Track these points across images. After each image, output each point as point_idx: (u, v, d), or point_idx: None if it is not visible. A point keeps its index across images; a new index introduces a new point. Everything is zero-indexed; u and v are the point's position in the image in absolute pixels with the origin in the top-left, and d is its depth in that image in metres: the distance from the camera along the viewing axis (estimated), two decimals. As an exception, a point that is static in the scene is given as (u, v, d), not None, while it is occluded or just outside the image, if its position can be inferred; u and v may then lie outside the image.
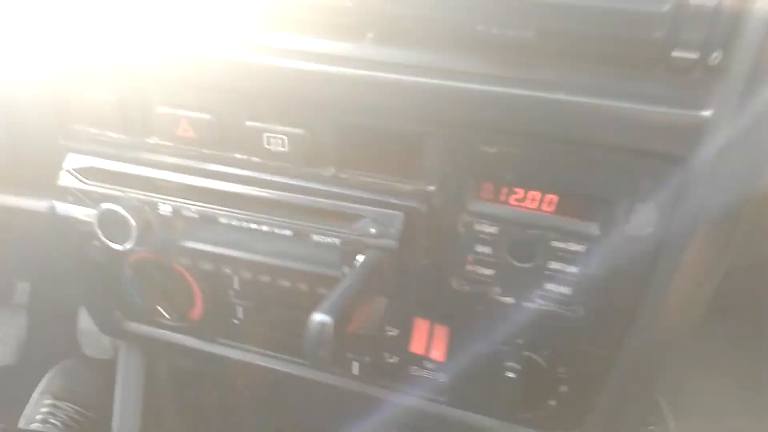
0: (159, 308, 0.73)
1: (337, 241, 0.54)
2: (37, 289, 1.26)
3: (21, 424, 1.14)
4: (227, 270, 0.62)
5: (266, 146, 0.56)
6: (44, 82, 0.62)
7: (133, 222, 0.58)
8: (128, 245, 0.58)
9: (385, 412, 0.71)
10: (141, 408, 0.89)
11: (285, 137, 0.55)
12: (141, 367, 0.88)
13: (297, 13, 0.51)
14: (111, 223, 0.58)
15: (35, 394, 1.20)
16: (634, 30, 0.43)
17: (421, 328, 0.65)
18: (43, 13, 0.58)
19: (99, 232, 0.59)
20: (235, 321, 0.74)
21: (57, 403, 1.19)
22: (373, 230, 0.53)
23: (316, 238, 0.55)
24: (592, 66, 0.46)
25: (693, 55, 0.43)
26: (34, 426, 1.14)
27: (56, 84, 0.62)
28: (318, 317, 0.41)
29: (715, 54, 0.42)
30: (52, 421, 1.16)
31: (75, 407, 1.18)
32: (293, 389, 0.78)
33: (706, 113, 0.43)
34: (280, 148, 0.56)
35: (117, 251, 0.68)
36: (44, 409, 1.19)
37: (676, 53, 0.43)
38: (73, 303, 1.23)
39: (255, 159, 0.58)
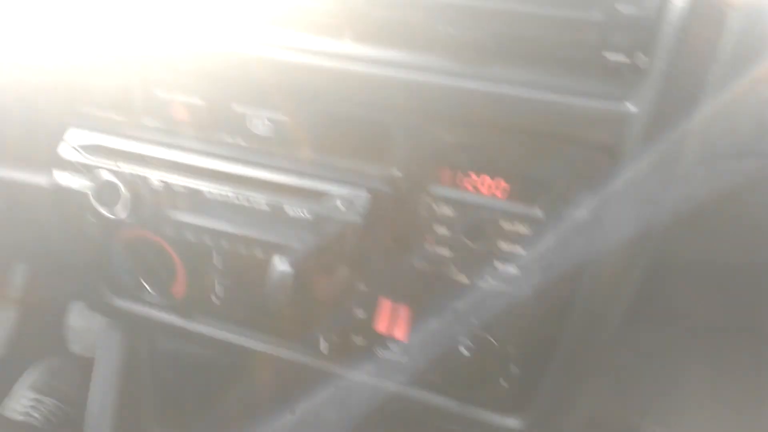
0: (144, 283, 0.78)
1: (309, 215, 0.60)
2: (31, 276, 1.30)
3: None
4: (209, 244, 0.68)
5: (249, 128, 0.62)
6: (52, 66, 0.69)
7: (126, 193, 0.63)
8: (120, 215, 0.64)
9: (351, 392, 0.76)
10: (117, 389, 0.93)
11: (267, 121, 0.61)
12: (120, 349, 0.92)
13: (285, 11, 0.58)
14: (106, 193, 0.64)
15: (18, 387, 1.23)
16: (571, 34, 0.50)
17: (385, 307, 0.70)
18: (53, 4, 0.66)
19: (94, 201, 0.65)
20: (215, 299, 0.79)
21: (40, 397, 1.23)
22: (342, 207, 0.59)
23: (290, 212, 0.60)
24: (537, 65, 0.52)
25: (622, 57, 0.50)
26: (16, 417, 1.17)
27: (63, 68, 0.68)
28: (279, 267, 0.47)
29: (640, 56, 0.49)
30: (34, 414, 1.19)
31: (57, 403, 1.22)
32: (266, 368, 0.82)
33: (632, 107, 0.50)
34: (262, 132, 0.62)
35: (109, 224, 0.73)
36: (27, 402, 1.22)
37: (607, 55, 0.50)
38: (65, 295, 1.27)
39: (239, 141, 0.64)
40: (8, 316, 1.33)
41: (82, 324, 1.37)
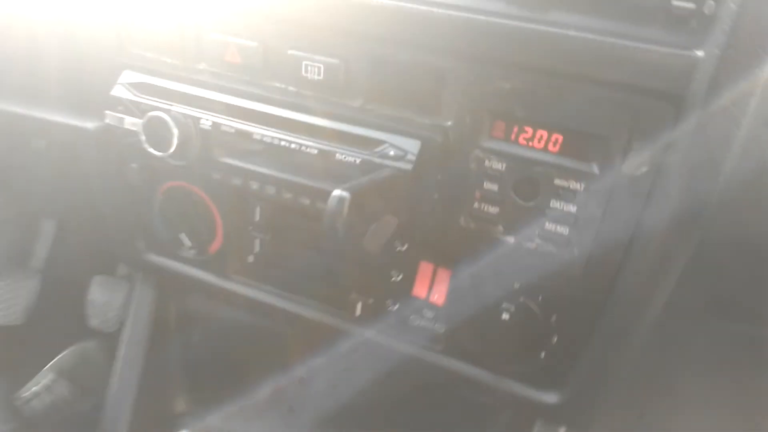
0: (182, 237, 0.77)
1: (359, 162, 0.59)
2: (55, 245, 1.30)
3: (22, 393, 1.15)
4: (253, 192, 0.67)
5: (303, 74, 0.62)
6: (106, 8, 0.70)
7: (175, 131, 0.63)
8: (169, 151, 0.64)
9: (382, 359, 0.74)
10: (143, 358, 0.93)
11: (321, 66, 0.61)
12: (150, 310, 0.92)
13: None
14: (155, 131, 0.64)
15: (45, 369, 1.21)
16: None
17: (424, 271, 0.69)
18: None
19: (143, 137, 0.65)
20: (251, 258, 0.79)
21: (57, 380, 1.21)
22: (392, 152, 0.58)
23: (339, 157, 0.60)
24: (602, 11, 0.51)
25: (689, 4, 0.48)
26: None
27: (117, 10, 0.69)
28: (337, 192, 0.46)
29: (709, 2, 0.48)
30: (45, 397, 1.18)
31: (72, 387, 1.20)
32: (298, 332, 0.81)
33: (699, 54, 0.48)
34: (316, 77, 0.62)
35: (154, 168, 0.74)
36: (44, 382, 1.21)
37: (675, 2, 0.49)
38: (87, 268, 1.27)
39: (292, 87, 0.64)
40: (30, 286, 1.33)
41: (102, 298, 1.36)
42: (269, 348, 0.90)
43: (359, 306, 0.73)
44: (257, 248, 0.75)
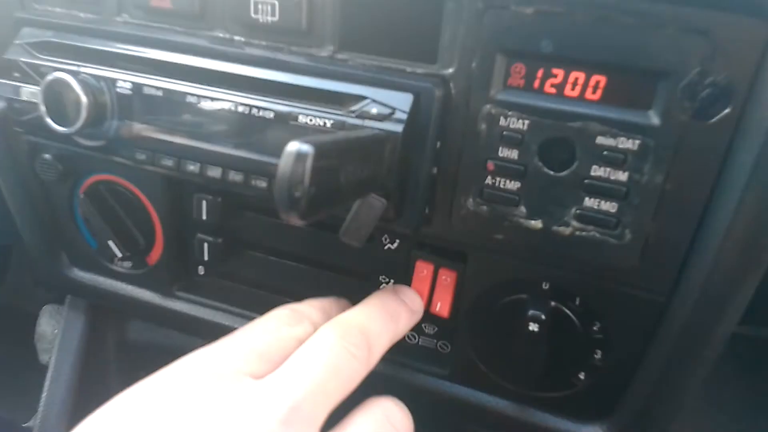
0: (111, 245, 0.61)
1: (328, 122, 0.43)
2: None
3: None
4: (192, 184, 0.51)
5: (253, 16, 0.46)
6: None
7: (83, 98, 0.47)
8: (76, 126, 0.47)
9: (372, 389, 0.58)
10: (76, 387, 0.74)
11: (276, 3, 0.46)
12: (82, 336, 0.74)
13: None
14: (58, 99, 0.48)
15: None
16: None
17: (422, 274, 0.53)
18: None
19: (43, 108, 0.48)
20: (201, 269, 0.62)
21: None
22: (374, 110, 0.43)
23: (302, 120, 0.44)
24: None
25: None
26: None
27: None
28: (294, 145, 0.30)
29: None
30: None
31: None
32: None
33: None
34: (269, 18, 0.46)
35: (71, 163, 0.58)
36: None
37: None
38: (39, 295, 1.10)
39: (238, 36, 0.48)
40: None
41: (51, 330, 1.19)
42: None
43: (340, 323, 0.57)
44: (207, 256, 0.59)
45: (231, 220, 0.58)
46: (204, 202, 0.56)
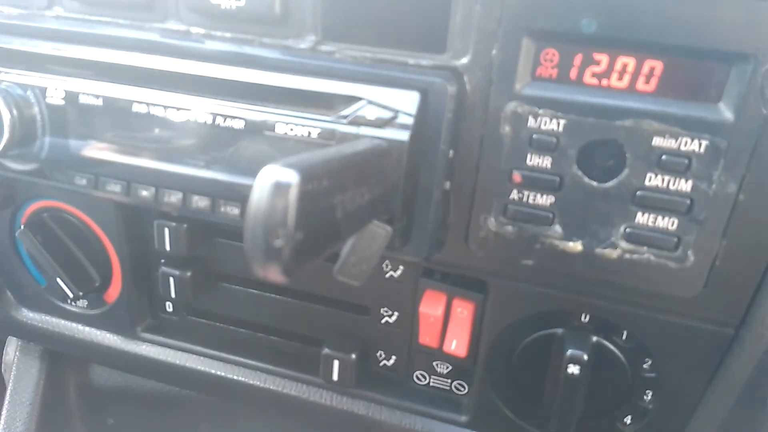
0: (60, 282, 0.51)
1: (313, 132, 0.34)
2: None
3: None
4: (152, 201, 0.42)
5: (213, 1, 0.37)
6: None
7: (6, 112, 0.38)
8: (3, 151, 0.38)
9: (376, 441, 0.49)
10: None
11: (242, -16, 0.36)
12: (37, 384, 0.64)
13: None
14: (-28, 115, 0.38)
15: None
16: None
17: (433, 305, 0.44)
18: None
19: (-47, 127, 0.39)
20: (168, 306, 0.53)
21: None
22: (371, 115, 0.34)
23: (281, 129, 0.35)
24: None
25: None
26: None
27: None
28: (270, 172, 0.21)
29: None
30: None
31: None
32: (251, 407, 0.55)
33: None
34: (234, 3, 0.37)
35: (10, 188, 0.48)
36: None
37: None
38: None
39: (197, 28, 0.39)
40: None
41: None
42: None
43: (336, 366, 0.48)
44: (174, 292, 0.50)
45: (201, 248, 0.49)
46: (167, 230, 0.47)
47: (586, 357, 0.40)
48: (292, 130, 0.35)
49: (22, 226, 0.51)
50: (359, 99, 0.35)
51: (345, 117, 0.34)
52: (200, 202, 0.38)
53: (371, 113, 0.34)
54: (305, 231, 0.22)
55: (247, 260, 0.22)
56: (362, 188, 0.29)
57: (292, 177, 0.21)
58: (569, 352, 0.40)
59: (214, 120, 0.36)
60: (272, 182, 0.21)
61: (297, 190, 0.21)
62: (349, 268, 0.34)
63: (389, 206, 0.35)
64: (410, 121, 0.34)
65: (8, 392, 0.62)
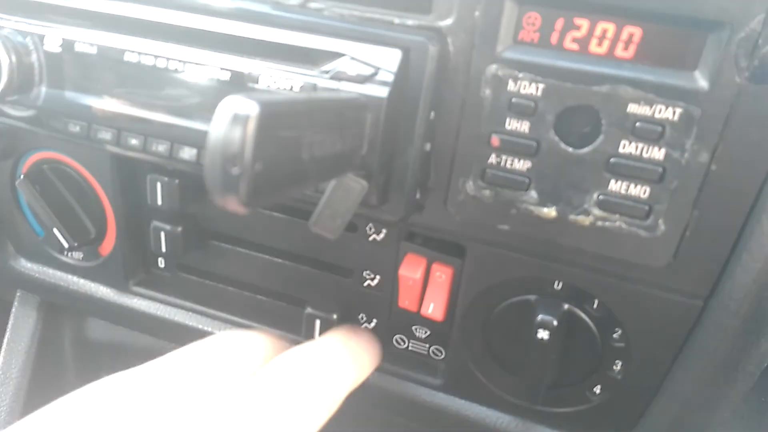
0: (56, 234, 0.53)
1: (296, 85, 0.35)
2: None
3: None
4: (142, 162, 0.43)
5: (207, -45, 0.38)
6: None
7: (4, 57, 0.39)
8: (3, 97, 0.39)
9: (357, 400, 0.50)
10: (26, 393, 0.66)
11: (235, -61, 0.37)
12: (34, 334, 0.66)
13: None
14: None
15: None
16: None
17: (413, 268, 0.45)
18: None
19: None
20: (160, 261, 0.55)
21: None
22: (352, 71, 0.35)
23: (265, 82, 0.36)
24: None
25: None
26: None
27: None
28: (231, 103, 0.22)
29: None
30: None
31: None
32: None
33: None
34: (227, -42, 0.38)
35: (11, 139, 0.49)
36: None
37: None
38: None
39: (192, -18, 0.40)
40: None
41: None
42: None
43: (317, 325, 0.49)
44: (165, 247, 0.51)
45: (192, 205, 0.50)
46: (159, 185, 0.48)
47: (555, 323, 0.40)
48: (275, 82, 0.36)
49: (22, 176, 0.52)
50: (342, 55, 0.35)
51: (327, 72, 0.35)
52: (187, 151, 0.39)
53: (353, 69, 0.35)
54: (265, 164, 0.23)
55: (208, 189, 0.23)
56: (333, 136, 0.30)
57: (252, 108, 0.22)
58: (539, 317, 0.41)
59: (200, 71, 0.37)
60: (232, 111, 0.22)
61: (256, 120, 0.22)
62: (324, 221, 0.36)
63: (367, 163, 0.36)
64: (390, 78, 0.35)
65: (5, 340, 0.64)
